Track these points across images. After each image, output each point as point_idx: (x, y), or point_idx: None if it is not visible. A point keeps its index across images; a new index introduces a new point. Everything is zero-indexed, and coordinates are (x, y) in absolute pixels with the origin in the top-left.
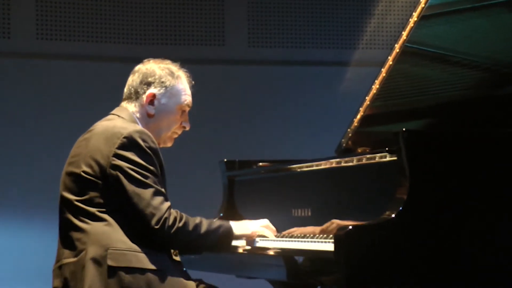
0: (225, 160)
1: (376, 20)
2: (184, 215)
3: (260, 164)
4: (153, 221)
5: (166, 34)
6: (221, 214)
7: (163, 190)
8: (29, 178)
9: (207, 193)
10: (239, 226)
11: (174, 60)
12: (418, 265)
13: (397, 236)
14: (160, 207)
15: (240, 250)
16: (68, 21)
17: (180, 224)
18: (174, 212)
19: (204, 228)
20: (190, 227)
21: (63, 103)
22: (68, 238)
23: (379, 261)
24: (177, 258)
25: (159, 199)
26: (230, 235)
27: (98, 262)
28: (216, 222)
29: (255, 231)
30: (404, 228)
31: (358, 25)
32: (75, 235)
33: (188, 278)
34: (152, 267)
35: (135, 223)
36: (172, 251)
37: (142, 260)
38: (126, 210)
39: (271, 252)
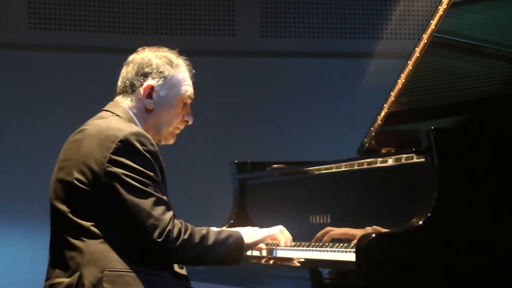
0: (236, 161)
1: (402, 8)
2: (190, 226)
3: (274, 166)
4: (155, 234)
5: (172, 23)
6: (232, 221)
7: (165, 198)
8: (20, 180)
9: (215, 198)
10: (250, 234)
11: (181, 51)
12: (448, 277)
13: (425, 245)
14: (162, 217)
15: (253, 261)
16: (64, 8)
17: (186, 236)
18: (178, 223)
19: (211, 239)
20: (197, 239)
21: (57, 97)
22: (60, 255)
23: (405, 272)
24: (183, 271)
25: (160, 208)
26: (241, 246)
27: (93, 286)
28: (225, 232)
29: (268, 236)
30: (433, 236)
31: (381, 13)
32: (69, 253)
33: None
34: None
35: (135, 236)
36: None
37: (141, 282)
38: (124, 223)
39: (285, 263)
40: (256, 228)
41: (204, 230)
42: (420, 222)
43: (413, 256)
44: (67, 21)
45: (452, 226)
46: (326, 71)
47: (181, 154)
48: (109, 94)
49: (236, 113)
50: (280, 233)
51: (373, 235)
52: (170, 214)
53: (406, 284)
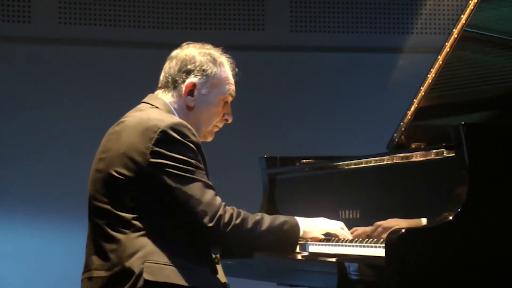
0: (265, 156)
1: (432, 2)
2: (242, 212)
3: (304, 161)
4: (206, 219)
5: (202, 18)
6: None
7: (211, 183)
8: (48, 175)
9: (244, 193)
10: (308, 223)
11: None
12: (479, 273)
13: (455, 240)
14: (212, 202)
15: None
16: (94, 3)
17: (238, 222)
18: (230, 209)
19: (265, 225)
20: (249, 224)
21: (88, 91)
22: (100, 247)
23: (435, 268)
24: (220, 269)
25: (209, 193)
26: (296, 232)
27: (134, 277)
28: (281, 218)
29: (328, 230)
30: (463, 232)
31: (412, 7)
32: (108, 246)
33: None
34: (191, 284)
35: (186, 224)
36: (213, 257)
37: (181, 276)
38: (173, 213)
39: (314, 258)
40: (318, 219)
41: (258, 216)
42: (450, 218)
43: (442, 251)
44: (98, 15)
45: (483, 223)
46: (356, 66)
47: (210, 148)
48: (140, 88)
49: (265, 108)
50: (338, 230)
51: (403, 231)
52: (219, 199)
53: (436, 279)
